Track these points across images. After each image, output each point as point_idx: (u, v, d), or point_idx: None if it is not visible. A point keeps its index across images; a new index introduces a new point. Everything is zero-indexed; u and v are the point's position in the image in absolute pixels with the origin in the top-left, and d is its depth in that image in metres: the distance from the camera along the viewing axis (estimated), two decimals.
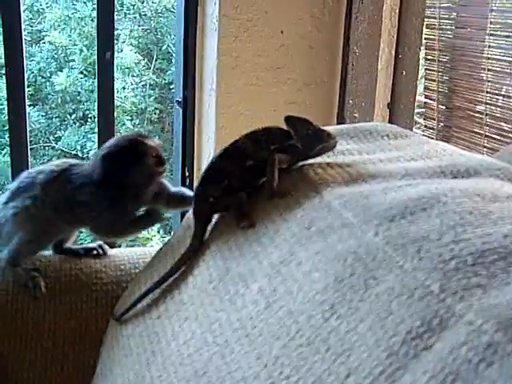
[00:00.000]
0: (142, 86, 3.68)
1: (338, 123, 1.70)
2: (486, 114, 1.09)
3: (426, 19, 1.18)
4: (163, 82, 3.69)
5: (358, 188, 0.66)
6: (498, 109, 1.06)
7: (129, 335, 0.72)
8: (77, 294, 0.84)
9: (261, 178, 0.72)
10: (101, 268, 0.87)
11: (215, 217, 0.73)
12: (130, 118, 3.64)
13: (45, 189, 0.80)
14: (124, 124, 3.54)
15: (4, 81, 1.56)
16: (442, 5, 1.14)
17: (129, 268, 0.88)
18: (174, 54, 3.53)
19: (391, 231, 0.55)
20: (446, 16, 1.13)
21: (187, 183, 1.84)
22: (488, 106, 1.08)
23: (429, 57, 1.20)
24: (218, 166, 0.72)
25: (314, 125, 0.76)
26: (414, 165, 0.73)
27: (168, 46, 3.66)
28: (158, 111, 3.72)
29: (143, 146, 0.80)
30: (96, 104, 1.66)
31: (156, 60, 3.68)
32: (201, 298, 0.65)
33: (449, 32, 1.13)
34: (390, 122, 1.45)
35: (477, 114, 1.11)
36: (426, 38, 1.20)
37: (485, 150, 1.09)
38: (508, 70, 1.02)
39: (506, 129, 1.04)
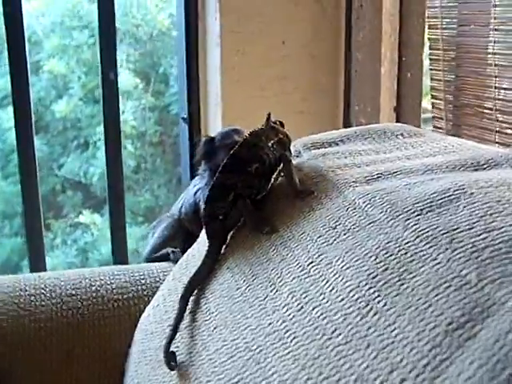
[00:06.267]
0: (142, 109, 3.70)
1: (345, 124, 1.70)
2: (496, 110, 1.09)
3: (427, 19, 1.19)
4: (162, 104, 3.70)
5: (380, 185, 0.66)
6: (508, 103, 1.06)
7: (156, 347, 0.71)
8: (99, 310, 0.83)
9: (268, 181, 0.71)
10: (122, 284, 0.87)
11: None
12: (131, 141, 3.65)
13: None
14: (126, 148, 3.55)
15: (7, 111, 1.57)
16: (444, 4, 1.15)
17: (150, 282, 0.87)
18: (171, 77, 3.56)
19: (420, 225, 0.55)
20: (448, 15, 1.13)
21: None
22: (497, 102, 1.08)
23: (433, 57, 1.20)
24: (220, 181, 0.70)
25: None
26: (433, 160, 0.72)
27: (165, 68, 3.68)
28: (158, 133, 3.73)
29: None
30: (102, 126, 1.67)
31: (154, 83, 3.69)
32: (228, 306, 0.64)
33: (452, 30, 1.13)
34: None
35: (486, 111, 1.11)
36: (429, 39, 1.20)
37: (496, 145, 1.09)
38: None
39: None
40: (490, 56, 1.06)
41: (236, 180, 0.69)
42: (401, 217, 0.57)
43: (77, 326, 0.82)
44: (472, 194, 0.57)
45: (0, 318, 0.80)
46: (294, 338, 0.53)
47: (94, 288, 0.85)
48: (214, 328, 0.63)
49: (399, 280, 0.50)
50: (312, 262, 0.58)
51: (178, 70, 1.79)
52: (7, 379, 0.78)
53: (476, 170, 0.68)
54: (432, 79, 1.23)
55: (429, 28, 1.20)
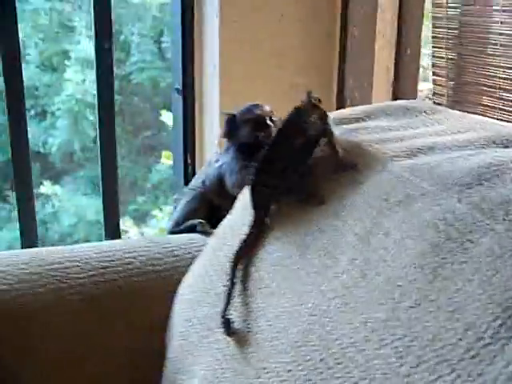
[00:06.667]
0: None
1: (338, 104, 1.74)
2: (499, 88, 1.14)
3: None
4: (122, 73, 3.65)
5: (421, 160, 0.70)
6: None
7: (204, 316, 0.74)
8: (136, 282, 0.86)
9: (310, 155, 0.75)
10: (154, 255, 0.89)
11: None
12: (92, 111, 3.60)
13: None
14: (86, 118, 3.50)
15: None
16: None
17: (182, 253, 0.90)
18: (132, 45, 3.52)
19: (473, 197, 0.59)
20: None
21: (189, 171, 1.85)
22: (501, 80, 1.13)
23: (436, 35, 1.24)
24: (268, 155, 0.73)
25: None
26: (463, 136, 0.76)
27: (126, 36, 3.63)
28: (117, 102, 3.69)
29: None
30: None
31: (114, 51, 3.64)
32: (282, 273, 0.68)
33: (456, 9, 1.17)
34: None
35: (489, 89, 1.16)
36: (433, 17, 1.24)
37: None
38: None
39: None
40: (493, 36, 1.11)
41: (283, 154, 0.73)
42: (452, 190, 0.61)
43: (115, 298, 0.84)
44: None
45: (40, 290, 0.81)
46: (362, 302, 0.57)
47: (127, 260, 0.87)
48: (270, 294, 0.67)
49: (462, 249, 0.54)
50: (369, 232, 0.62)
51: (172, 39, 1.78)
52: (52, 349, 0.80)
53: (506, 146, 0.72)
54: (434, 56, 1.28)
55: (433, 6, 1.23)
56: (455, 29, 1.18)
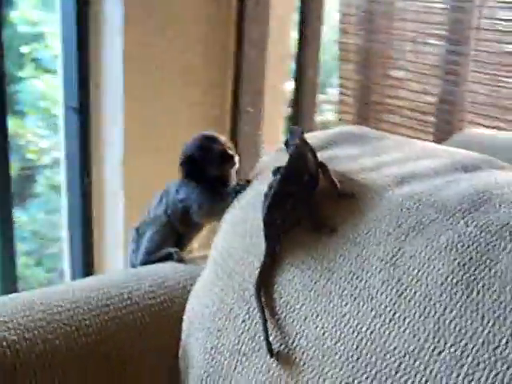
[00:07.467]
0: None
1: (233, 119, 1.83)
2: (401, 107, 1.32)
3: (341, 24, 1.37)
4: None
5: (412, 188, 0.81)
6: (415, 102, 1.30)
7: (234, 343, 0.79)
8: (139, 317, 0.87)
9: (314, 189, 0.84)
10: (148, 289, 0.91)
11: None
12: None
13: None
14: None
15: None
16: (356, 13, 1.34)
17: (173, 284, 0.93)
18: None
19: (477, 221, 0.72)
20: (360, 23, 1.33)
21: (86, 191, 1.82)
22: (406, 101, 1.31)
23: (343, 58, 1.39)
24: (280, 190, 0.81)
25: None
26: (426, 163, 0.89)
27: None
28: None
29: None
30: None
31: None
32: (311, 298, 0.75)
33: (362, 37, 1.33)
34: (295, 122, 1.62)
35: (394, 108, 1.34)
36: (340, 42, 1.39)
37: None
38: (427, 72, 1.26)
39: (423, 119, 1.29)
40: (404, 63, 1.29)
41: (294, 189, 0.80)
42: (456, 216, 0.74)
43: (123, 335, 0.85)
44: (503, 193, 0.75)
45: (50, 336, 0.80)
46: (405, 317, 0.67)
47: (125, 296, 0.89)
48: (303, 318, 0.75)
49: (486, 266, 0.67)
50: (394, 256, 0.73)
51: (64, 55, 1.72)
52: None
53: (465, 172, 0.86)
54: (341, 77, 1.43)
55: (342, 32, 1.38)
56: (361, 54, 1.34)
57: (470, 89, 1.21)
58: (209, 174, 1.01)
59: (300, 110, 1.60)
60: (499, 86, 1.16)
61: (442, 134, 1.22)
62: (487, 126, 1.18)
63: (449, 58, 1.21)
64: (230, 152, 1.01)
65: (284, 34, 1.67)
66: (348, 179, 0.86)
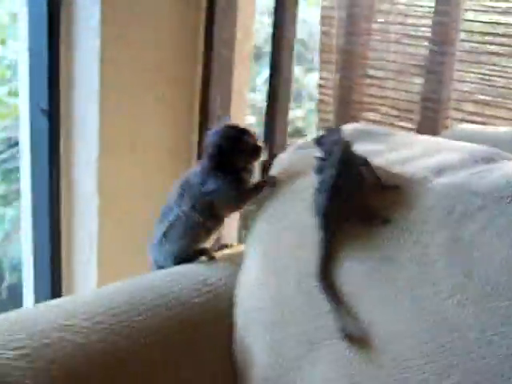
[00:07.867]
0: None
1: (202, 118, 1.84)
2: (380, 105, 1.41)
3: (322, 27, 1.43)
4: None
5: (449, 178, 0.86)
6: (396, 100, 1.39)
7: (302, 333, 0.82)
8: (187, 318, 0.88)
9: (363, 182, 0.88)
10: (192, 286, 0.92)
11: None
12: None
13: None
14: None
15: None
16: (336, 15, 1.41)
17: (215, 281, 0.94)
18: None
19: None
20: (340, 24, 1.40)
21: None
22: (386, 99, 1.39)
23: (324, 59, 1.45)
24: (335, 184, 0.85)
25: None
26: (450, 157, 0.95)
27: None
28: None
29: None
30: None
31: None
32: (376, 285, 0.80)
33: (342, 39, 1.40)
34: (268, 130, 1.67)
35: (370, 106, 1.42)
36: (322, 43, 1.45)
37: None
38: (412, 70, 1.35)
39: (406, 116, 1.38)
40: (384, 62, 1.36)
41: (347, 183, 0.85)
42: (501, 202, 0.80)
43: (176, 333, 0.85)
44: None
45: (115, 338, 0.79)
46: (474, 298, 0.73)
47: (174, 295, 0.89)
48: (373, 304, 0.79)
49: None
50: (452, 240, 0.78)
51: (32, 55, 1.65)
52: None
53: (488, 163, 0.93)
54: (321, 78, 1.48)
55: (323, 34, 1.44)
56: (341, 54, 1.41)
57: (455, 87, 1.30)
58: (236, 165, 1.00)
59: (275, 106, 1.64)
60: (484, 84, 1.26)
61: (427, 130, 1.31)
62: (472, 122, 1.28)
63: (433, 57, 1.29)
64: (261, 144, 1.01)
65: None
66: (386, 172, 0.91)
